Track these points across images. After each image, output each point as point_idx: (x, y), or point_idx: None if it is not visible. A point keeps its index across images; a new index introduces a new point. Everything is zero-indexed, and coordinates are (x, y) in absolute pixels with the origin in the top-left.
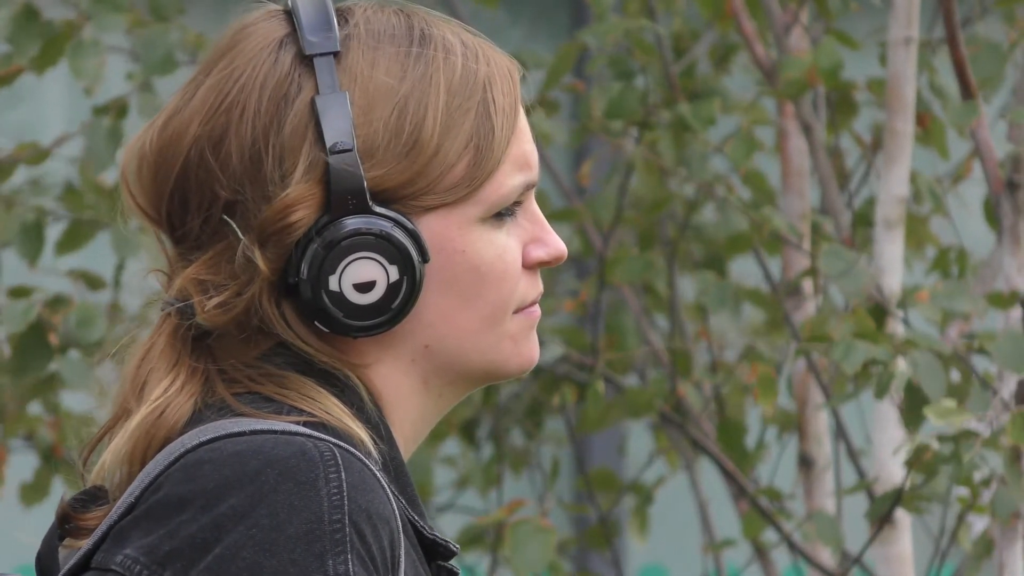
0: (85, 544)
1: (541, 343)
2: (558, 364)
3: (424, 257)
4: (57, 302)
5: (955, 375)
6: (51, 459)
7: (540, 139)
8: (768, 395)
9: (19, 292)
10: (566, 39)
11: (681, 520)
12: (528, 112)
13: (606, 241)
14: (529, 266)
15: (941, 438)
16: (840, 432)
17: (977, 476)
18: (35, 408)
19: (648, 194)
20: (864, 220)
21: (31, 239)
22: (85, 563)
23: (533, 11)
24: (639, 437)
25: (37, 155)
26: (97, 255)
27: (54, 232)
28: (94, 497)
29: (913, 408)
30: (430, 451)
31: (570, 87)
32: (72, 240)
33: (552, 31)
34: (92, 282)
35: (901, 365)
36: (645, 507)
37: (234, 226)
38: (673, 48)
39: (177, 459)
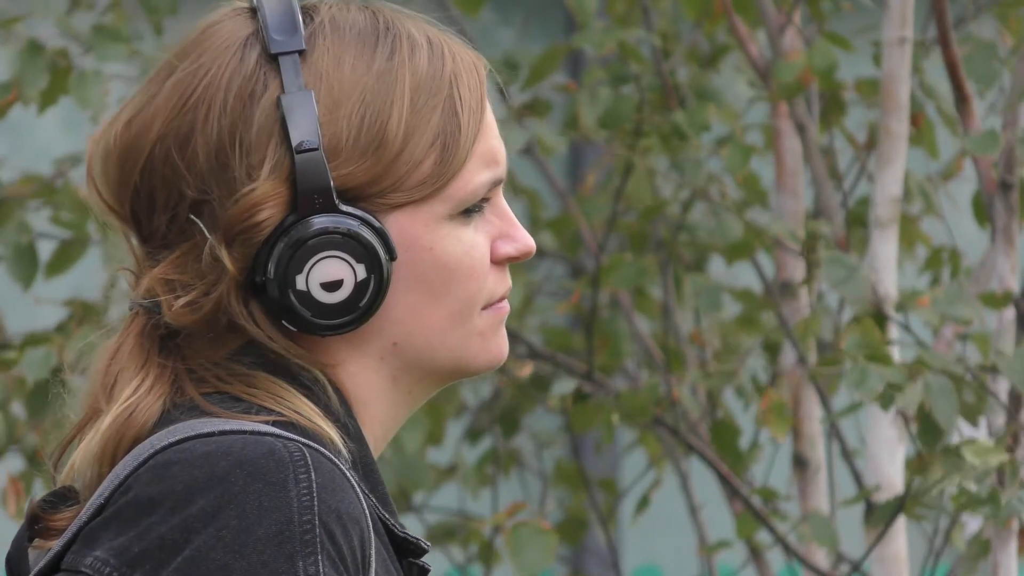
0: (55, 545)
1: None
2: (554, 368)
3: (391, 255)
4: (59, 331)
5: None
6: (36, 462)
7: (543, 151)
8: (781, 424)
9: (34, 340)
10: (559, 39)
11: (676, 521)
12: (532, 114)
13: (601, 247)
14: (497, 262)
15: (981, 477)
16: (834, 432)
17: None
18: (18, 412)
19: (641, 200)
20: (858, 220)
21: (25, 262)
22: (55, 564)
23: (525, 11)
24: (628, 436)
25: (42, 189)
26: (86, 273)
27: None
28: (64, 498)
29: (928, 430)
30: (424, 452)
31: (563, 87)
32: (62, 262)
33: (545, 31)
34: (87, 311)
35: (914, 388)
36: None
37: (201, 225)
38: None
39: (146, 460)
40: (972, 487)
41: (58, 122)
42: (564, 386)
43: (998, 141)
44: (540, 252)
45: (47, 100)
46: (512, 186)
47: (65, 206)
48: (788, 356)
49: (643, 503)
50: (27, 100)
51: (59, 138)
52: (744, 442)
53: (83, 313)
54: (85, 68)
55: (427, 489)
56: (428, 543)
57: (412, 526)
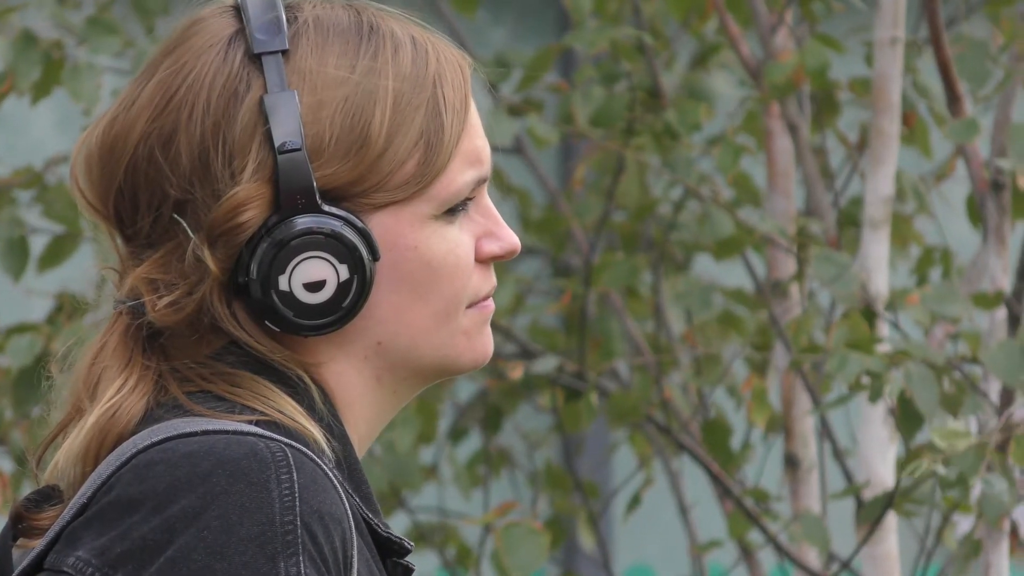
0: (38, 545)
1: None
2: (551, 369)
3: (374, 255)
4: (49, 323)
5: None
6: (25, 462)
7: (535, 143)
8: (762, 409)
9: (21, 328)
10: (551, 38)
11: (668, 520)
12: (524, 111)
13: (593, 246)
14: (482, 260)
15: (948, 460)
16: (826, 432)
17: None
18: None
19: (633, 199)
20: (850, 220)
21: (15, 254)
22: (38, 564)
23: (517, 11)
24: (615, 435)
25: (32, 179)
26: (78, 268)
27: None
28: (47, 497)
29: (908, 418)
30: (415, 452)
31: (554, 87)
32: (54, 256)
33: (537, 30)
34: (77, 305)
35: (895, 376)
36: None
37: (184, 225)
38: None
39: (129, 460)
40: (941, 469)
41: (51, 122)
42: (545, 364)
43: (977, 128)
44: (530, 251)
45: (40, 92)
46: (502, 185)
47: (58, 200)
48: (780, 356)
49: (634, 503)
50: (20, 91)
51: (52, 138)
52: (736, 442)
53: (72, 307)
54: (79, 60)
55: (415, 488)
56: (411, 543)
57: (403, 525)
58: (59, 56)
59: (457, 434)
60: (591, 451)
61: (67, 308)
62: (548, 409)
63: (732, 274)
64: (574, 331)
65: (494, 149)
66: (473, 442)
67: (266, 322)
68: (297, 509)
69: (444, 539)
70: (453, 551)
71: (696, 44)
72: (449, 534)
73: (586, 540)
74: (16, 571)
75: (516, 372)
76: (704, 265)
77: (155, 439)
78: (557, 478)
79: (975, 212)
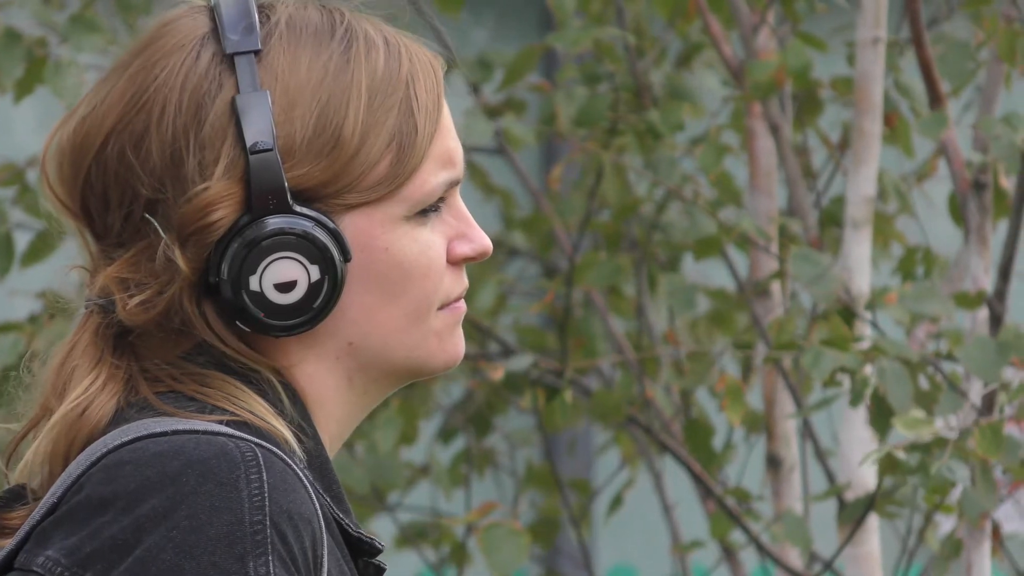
0: (8, 544)
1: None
2: (530, 368)
3: (346, 256)
4: (32, 322)
5: (924, 381)
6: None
7: (510, 143)
8: (736, 407)
9: (4, 328)
10: (534, 38)
11: (650, 520)
12: (503, 111)
13: (576, 246)
14: (454, 262)
15: (910, 448)
16: (808, 432)
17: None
18: None
19: (616, 199)
20: (832, 220)
21: (1, 252)
22: (8, 563)
23: (499, 11)
24: (601, 436)
25: (13, 176)
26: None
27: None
28: (18, 496)
29: (882, 415)
30: (397, 452)
31: (537, 87)
32: (37, 253)
33: (520, 30)
34: (56, 304)
35: (869, 372)
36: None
37: (156, 224)
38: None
39: (99, 459)
40: (901, 455)
41: (34, 120)
42: (519, 362)
43: (946, 123)
44: (513, 251)
45: (23, 90)
46: (485, 186)
47: (41, 197)
48: (762, 356)
49: (616, 503)
50: (3, 89)
51: (35, 136)
52: (718, 442)
53: (53, 307)
54: (61, 58)
55: (400, 488)
56: (382, 543)
57: (385, 526)
58: (42, 54)
59: (447, 435)
60: (575, 451)
61: (48, 307)
62: (530, 409)
63: (719, 274)
64: (557, 331)
65: (477, 149)
66: (463, 443)
67: (237, 322)
68: (266, 509)
69: (439, 538)
70: (445, 550)
71: (681, 44)
72: (444, 533)
73: (575, 537)
74: None
75: (497, 373)
76: (691, 265)
77: (125, 439)
78: (540, 478)
79: (957, 212)
